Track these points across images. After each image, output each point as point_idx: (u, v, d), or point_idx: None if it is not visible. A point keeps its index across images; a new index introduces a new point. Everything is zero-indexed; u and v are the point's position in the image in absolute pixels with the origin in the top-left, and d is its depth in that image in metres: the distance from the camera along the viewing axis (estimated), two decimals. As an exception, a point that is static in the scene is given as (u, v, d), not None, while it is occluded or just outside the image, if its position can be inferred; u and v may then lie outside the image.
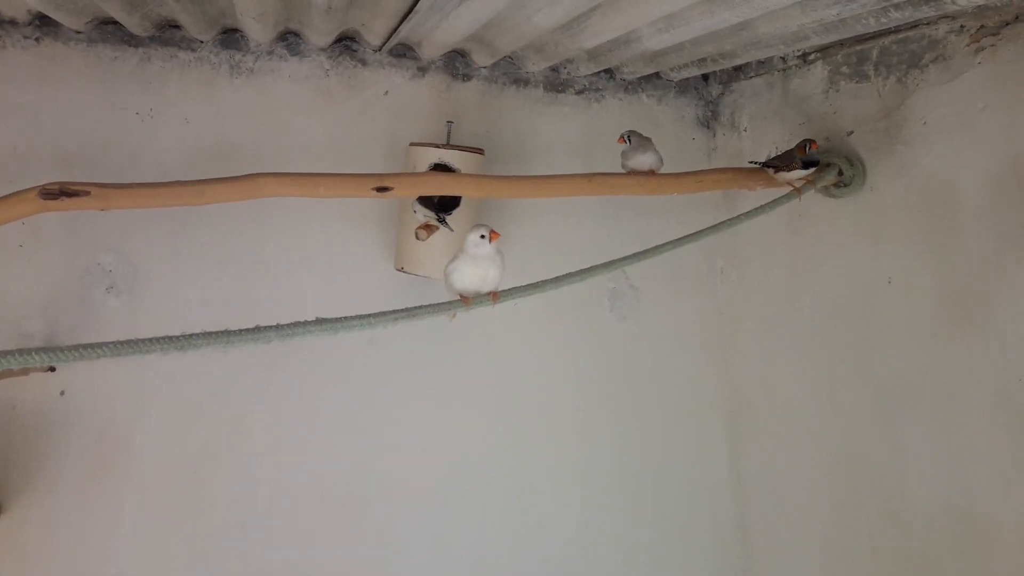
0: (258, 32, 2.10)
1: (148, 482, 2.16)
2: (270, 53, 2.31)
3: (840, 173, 2.08)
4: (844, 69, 2.15)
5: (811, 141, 2.01)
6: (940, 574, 1.86)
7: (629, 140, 2.04)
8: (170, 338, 1.34)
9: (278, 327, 1.42)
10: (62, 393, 2.12)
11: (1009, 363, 1.68)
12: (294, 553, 2.26)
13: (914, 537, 1.93)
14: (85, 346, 1.28)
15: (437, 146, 2.20)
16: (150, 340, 1.32)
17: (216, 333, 1.38)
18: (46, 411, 2.10)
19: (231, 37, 2.27)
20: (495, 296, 1.67)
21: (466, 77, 2.48)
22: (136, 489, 2.15)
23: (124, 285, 2.17)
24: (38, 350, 1.24)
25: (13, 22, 2.10)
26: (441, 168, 2.16)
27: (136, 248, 2.19)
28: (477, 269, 1.63)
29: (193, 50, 2.25)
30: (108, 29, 2.17)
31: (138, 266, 2.19)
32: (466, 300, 1.64)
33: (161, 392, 2.19)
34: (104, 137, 2.17)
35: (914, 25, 1.88)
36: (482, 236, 1.64)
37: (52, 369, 2.10)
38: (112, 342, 1.30)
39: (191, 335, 1.35)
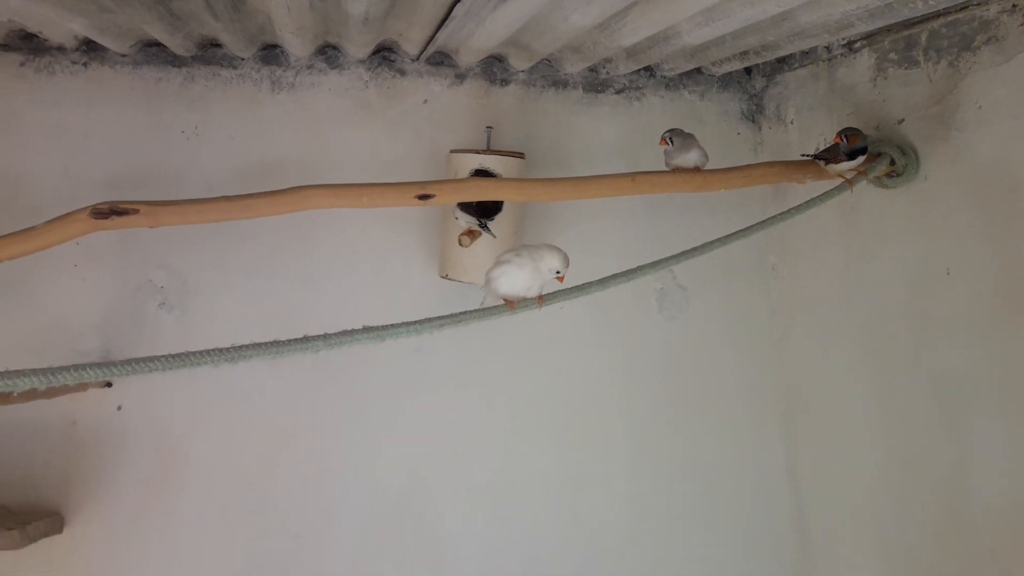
0: (297, 47, 2.12)
1: (204, 494, 2.19)
2: (310, 67, 2.33)
3: (892, 163, 2.02)
4: (892, 56, 2.09)
5: (851, 132, 1.95)
6: (1007, 571, 1.79)
7: (671, 142, 2.00)
8: (221, 350, 1.35)
9: (326, 336, 1.43)
10: (119, 408, 2.16)
11: (1079, 353, 1.62)
12: (348, 562, 2.27)
13: (979, 532, 1.86)
14: (138, 360, 1.30)
15: (477, 152, 2.20)
16: (201, 353, 1.34)
17: (265, 344, 1.39)
18: (104, 426, 2.15)
19: (271, 53, 2.30)
20: (541, 300, 1.65)
21: (504, 82, 2.48)
22: (193, 501, 2.18)
23: (175, 300, 2.21)
24: (92, 365, 1.26)
25: (61, 48, 2.16)
26: (482, 174, 2.15)
27: (185, 264, 2.22)
28: (525, 275, 1.62)
29: (235, 67, 2.28)
30: (152, 51, 2.21)
31: (188, 281, 2.22)
32: (511, 304, 1.63)
33: (214, 405, 2.22)
34: (151, 156, 2.21)
35: (964, 6, 1.82)
36: (557, 272, 1.62)
37: (109, 385, 2.14)
38: (165, 355, 1.31)
39: (241, 346, 1.36)
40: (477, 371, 2.41)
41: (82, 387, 2.07)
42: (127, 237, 2.13)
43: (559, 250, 1.63)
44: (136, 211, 1.71)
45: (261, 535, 2.22)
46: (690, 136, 2.01)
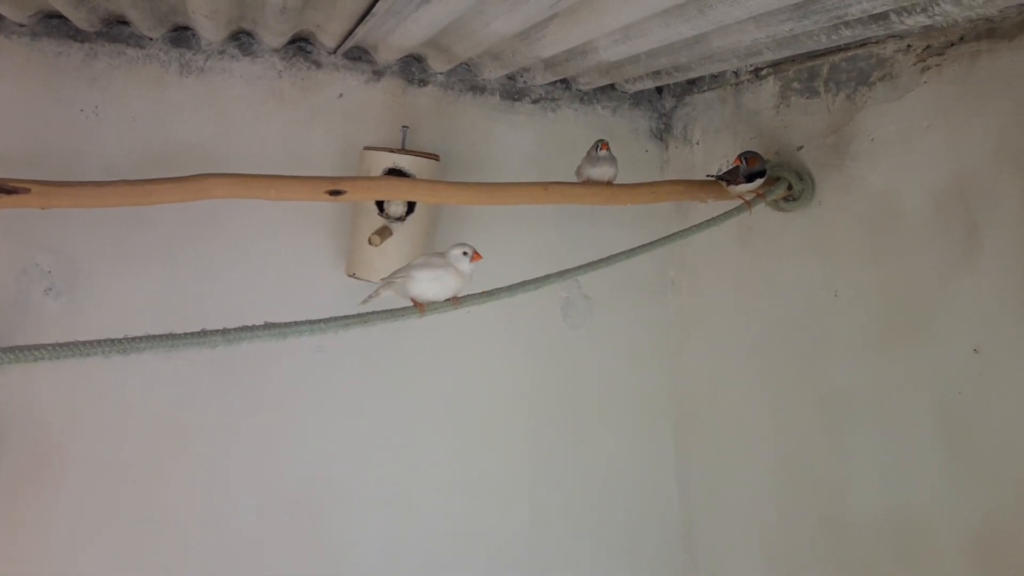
0: (210, 31, 2.06)
1: (84, 491, 2.09)
2: (222, 52, 2.26)
3: (790, 187, 2.11)
4: (795, 85, 2.19)
5: (751, 155, 2.04)
6: (881, 581, 1.90)
7: (608, 148, 2.04)
8: (112, 341, 1.30)
9: (225, 331, 1.39)
10: (-5, 398, 2.04)
11: (948, 375, 1.73)
12: (238, 567, 2.20)
13: (855, 544, 1.96)
14: (22, 348, 1.24)
15: (392, 151, 2.18)
16: (91, 343, 1.28)
17: (160, 336, 1.34)
18: (-22, 417, 2.02)
19: (181, 35, 2.22)
20: (456, 301, 1.66)
21: (422, 82, 2.47)
22: (71, 498, 2.08)
23: (63, 287, 2.10)
24: None
25: (-49, 13, 2.03)
26: (396, 173, 2.14)
27: (77, 249, 2.12)
28: (450, 279, 1.63)
29: (142, 47, 2.19)
30: (53, 23, 2.10)
31: (79, 267, 2.12)
32: (421, 307, 1.63)
33: (99, 398, 2.12)
34: (46, 134, 2.10)
35: (863, 43, 1.93)
36: (464, 253, 1.64)
37: (-15, 373, 2.02)
38: (51, 344, 1.25)
39: (134, 338, 1.32)
40: (379, 374, 2.39)
41: (-45, 373, 1.95)
42: (13, 217, 2.01)
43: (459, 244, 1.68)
44: (27, 190, 1.62)
45: (144, 537, 2.13)
46: (612, 154, 2.06)
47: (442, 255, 1.67)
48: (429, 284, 1.63)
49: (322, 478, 2.30)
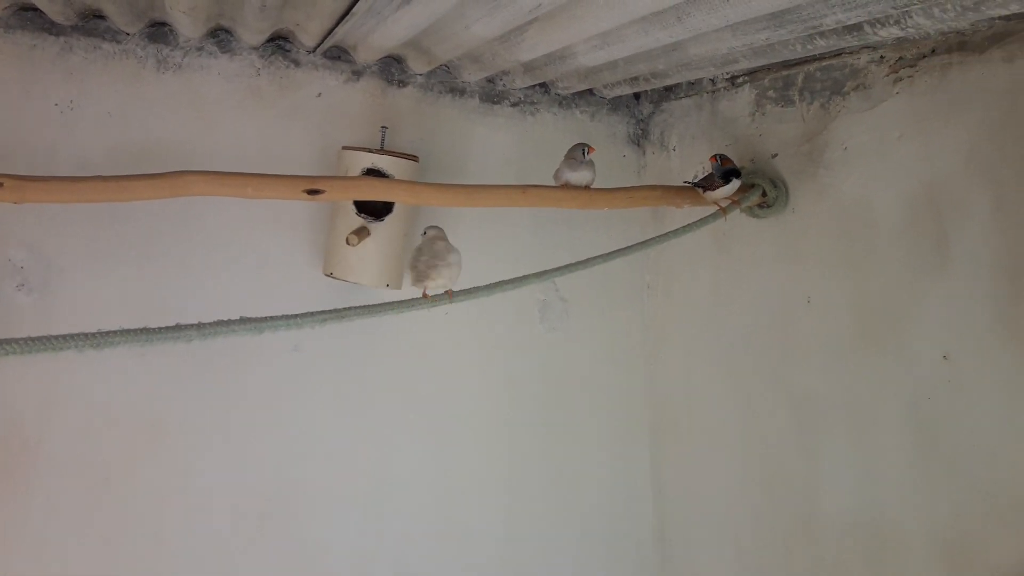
0: (188, 27, 2.05)
1: (55, 489, 2.06)
2: (200, 49, 2.25)
3: (764, 194, 2.14)
4: (771, 93, 2.22)
5: (724, 155, 2.08)
6: (850, 584, 1.93)
7: (585, 154, 2.05)
8: (85, 335, 1.28)
9: (200, 326, 1.38)
10: (-37, 394, 2.01)
11: (918, 381, 1.76)
12: (212, 565, 2.19)
13: (826, 546, 1.99)
14: None
15: (371, 151, 2.18)
16: (63, 337, 1.27)
17: (134, 331, 1.33)
18: (-55, 413, 1.99)
19: (159, 31, 2.21)
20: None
21: (402, 83, 2.47)
22: (42, 496, 2.05)
23: (36, 282, 2.08)
24: None
25: (-77, 3, 2.00)
26: (374, 173, 2.14)
27: (51, 244, 2.09)
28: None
29: (118, 42, 2.17)
30: (28, 16, 2.08)
31: (52, 263, 2.09)
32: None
33: (71, 395, 2.09)
34: (19, 127, 2.07)
35: (838, 54, 1.96)
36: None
37: (-47, 369, 1.99)
38: (22, 338, 1.24)
39: (108, 332, 1.30)
40: (356, 373, 2.38)
41: (-77, 369, 1.91)
42: (-14, 211, 2.00)
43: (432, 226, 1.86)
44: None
45: (118, 535, 2.11)
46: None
47: (437, 243, 1.78)
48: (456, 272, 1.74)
49: (297, 477, 2.29)
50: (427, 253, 1.76)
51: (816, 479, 2.03)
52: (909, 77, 1.79)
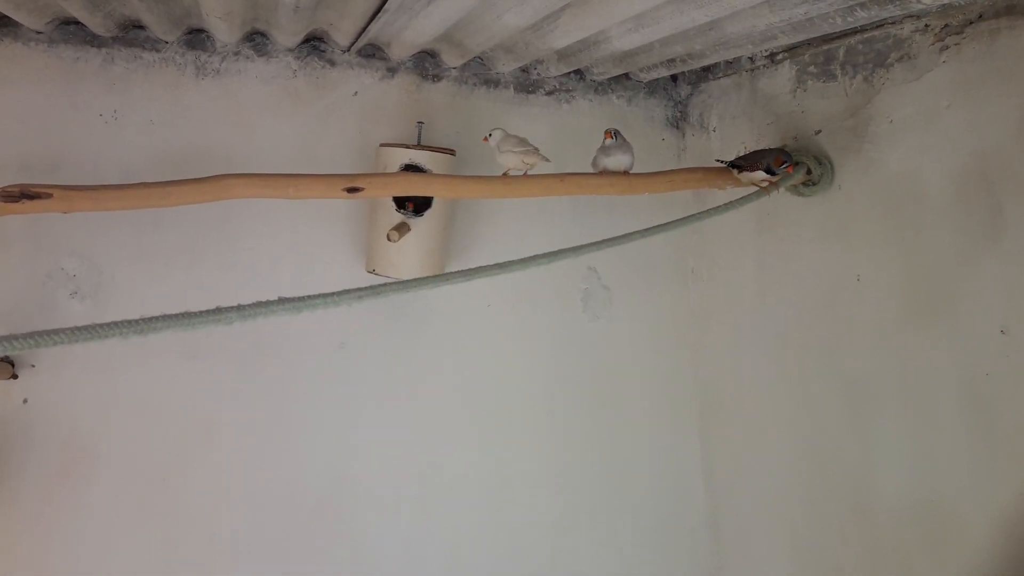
0: (224, 32, 2.07)
1: (114, 491, 2.12)
2: (236, 54, 2.28)
3: (808, 172, 2.09)
4: (811, 69, 2.17)
5: (781, 153, 2.02)
6: (908, 566, 1.88)
7: (615, 136, 2.03)
8: (129, 322, 1.27)
9: (240, 307, 1.37)
10: (25, 401, 2.07)
11: (974, 357, 1.71)
12: (264, 562, 2.23)
13: (882, 530, 1.95)
14: (41, 333, 1.22)
15: (408, 147, 2.19)
16: (108, 325, 1.26)
17: (176, 316, 1.32)
18: (9, 420, 2.05)
19: (197, 37, 2.24)
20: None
21: (436, 78, 2.47)
22: (102, 498, 2.11)
23: (88, 290, 2.13)
24: None
25: (-30, 22, 2.05)
26: (412, 169, 2.14)
27: (100, 252, 2.14)
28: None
29: (158, 51, 2.21)
30: (70, 29, 2.13)
31: (102, 270, 2.14)
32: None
33: (127, 399, 2.14)
34: (66, 139, 2.12)
35: (880, 24, 1.91)
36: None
37: (14, 376, 2.05)
38: (70, 328, 1.23)
39: (151, 318, 1.30)
40: (402, 369, 2.40)
41: (-15, 378, 1.98)
42: (38, 222, 2.05)
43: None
44: (49, 195, 1.64)
45: (174, 533, 2.16)
46: (626, 140, 2.05)
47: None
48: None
49: (346, 475, 2.32)
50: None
51: (870, 462, 1.99)
52: (956, 45, 1.73)
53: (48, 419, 2.08)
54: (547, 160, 2.04)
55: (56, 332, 1.22)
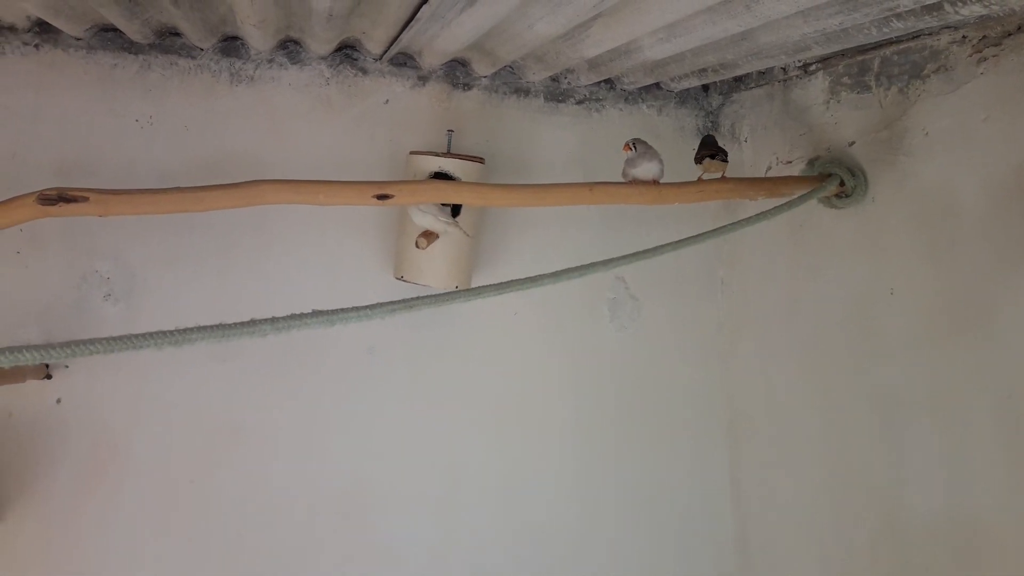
0: (258, 40, 2.10)
1: (144, 491, 2.14)
2: (270, 61, 2.30)
3: (842, 184, 2.07)
4: (845, 79, 2.15)
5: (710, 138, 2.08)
6: (941, 586, 1.85)
7: (635, 147, 2.02)
8: (164, 333, 1.30)
9: (273, 320, 1.39)
10: (58, 401, 2.10)
11: (1010, 374, 1.68)
12: (292, 563, 2.24)
13: (914, 548, 1.91)
14: (78, 342, 1.25)
15: (437, 155, 2.20)
16: (144, 335, 1.28)
17: (211, 327, 1.34)
18: (42, 419, 2.08)
19: (231, 45, 2.27)
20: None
21: (467, 86, 2.48)
22: (132, 498, 2.13)
23: (122, 293, 2.16)
24: (30, 347, 1.19)
25: (12, 28, 2.10)
26: (441, 177, 2.15)
27: (134, 255, 2.17)
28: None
29: (193, 58, 2.24)
30: (108, 36, 2.16)
31: (136, 274, 2.17)
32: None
33: (157, 400, 2.17)
34: (103, 144, 2.16)
35: (916, 35, 1.88)
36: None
37: (48, 376, 2.08)
38: (106, 338, 1.25)
39: (186, 329, 1.32)
40: (429, 375, 2.40)
41: (19, 377, 2.00)
42: (74, 225, 2.08)
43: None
44: (85, 199, 1.67)
45: (202, 533, 2.18)
46: (651, 148, 2.03)
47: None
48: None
49: (372, 479, 2.33)
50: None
51: (903, 479, 1.95)
52: (994, 56, 1.71)
53: (80, 419, 2.11)
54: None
55: (92, 342, 1.24)
